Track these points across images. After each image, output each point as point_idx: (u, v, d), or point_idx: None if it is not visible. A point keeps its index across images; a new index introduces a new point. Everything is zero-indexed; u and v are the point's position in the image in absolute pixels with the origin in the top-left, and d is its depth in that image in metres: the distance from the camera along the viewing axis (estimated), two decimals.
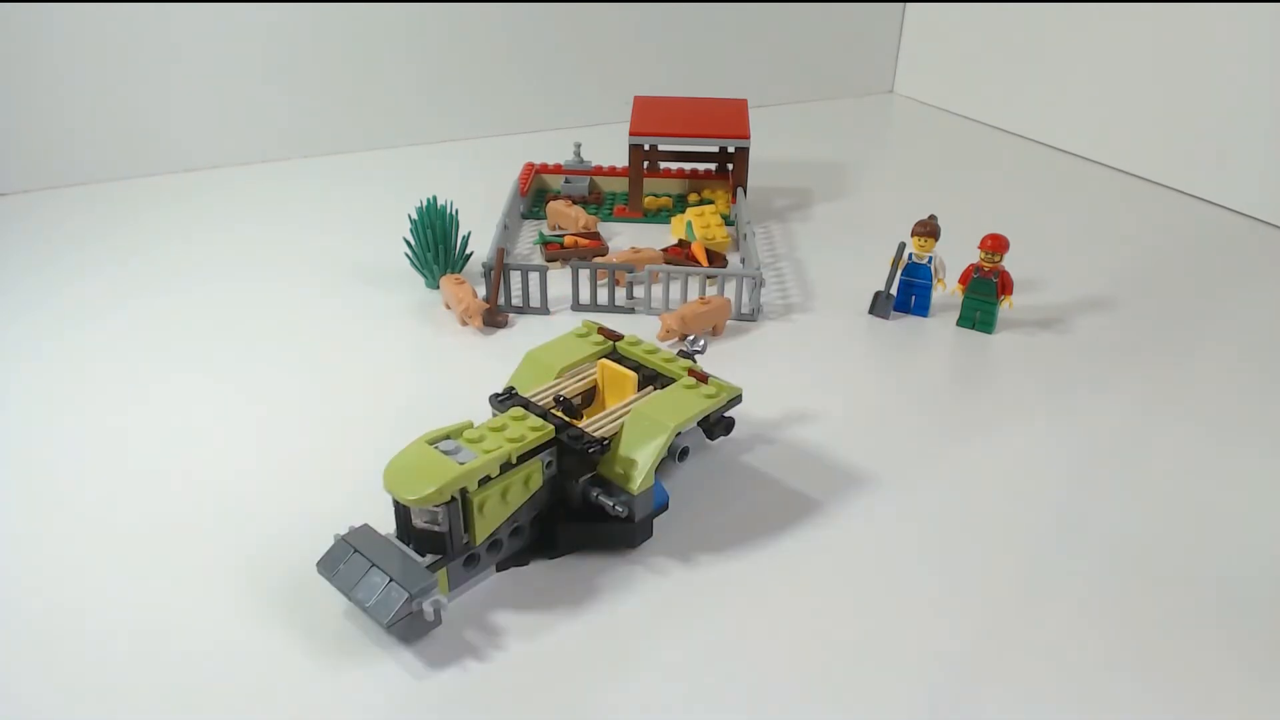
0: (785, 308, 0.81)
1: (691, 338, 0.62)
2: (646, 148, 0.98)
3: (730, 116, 0.99)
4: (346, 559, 0.47)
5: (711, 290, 0.81)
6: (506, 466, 0.48)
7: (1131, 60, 1.15)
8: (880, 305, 0.79)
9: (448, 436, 0.49)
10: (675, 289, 0.79)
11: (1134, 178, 1.15)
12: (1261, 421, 0.66)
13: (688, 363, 0.58)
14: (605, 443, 0.51)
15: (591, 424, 0.53)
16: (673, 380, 0.57)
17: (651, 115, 0.99)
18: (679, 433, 0.53)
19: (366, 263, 0.87)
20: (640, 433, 0.52)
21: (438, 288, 0.81)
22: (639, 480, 0.50)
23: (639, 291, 0.79)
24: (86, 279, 0.83)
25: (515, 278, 0.81)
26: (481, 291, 0.79)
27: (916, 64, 1.49)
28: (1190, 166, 1.09)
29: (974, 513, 0.57)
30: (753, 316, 0.78)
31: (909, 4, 1.47)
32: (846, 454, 0.61)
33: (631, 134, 0.95)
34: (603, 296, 0.80)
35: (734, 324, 0.77)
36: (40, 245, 0.90)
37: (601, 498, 0.51)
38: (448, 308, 0.78)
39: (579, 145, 1.03)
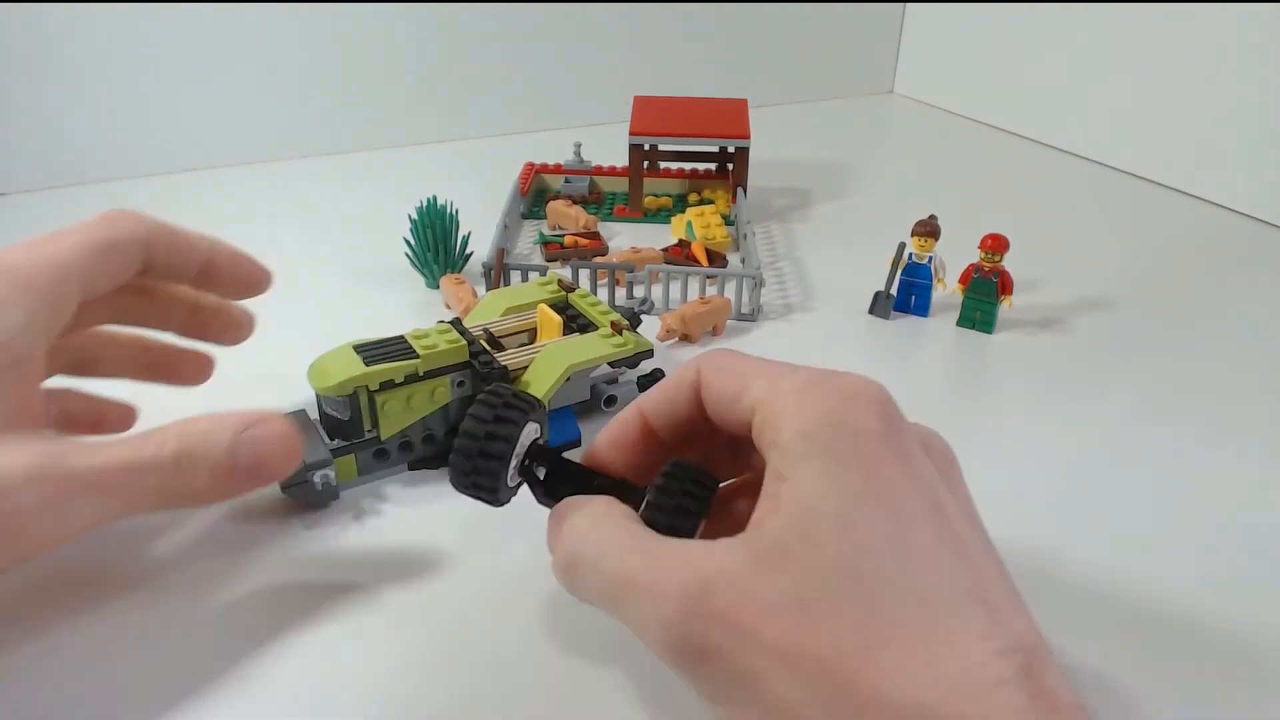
0: (785, 308, 0.81)
1: (641, 297, 0.64)
2: (646, 148, 0.98)
3: (730, 116, 0.99)
4: None
5: (711, 290, 0.81)
6: (415, 378, 0.54)
7: (1131, 60, 1.15)
8: (880, 305, 0.79)
9: (376, 343, 0.56)
10: (675, 289, 0.79)
11: (1134, 177, 1.15)
12: (1263, 420, 0.66)
13: (617, 317, 0.62)
14: (506, 369, 0.56)
15: (506, 355, 0.58)
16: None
17: (651, 115, 0.99)
18: (584, 373, 0.59)
19: (366, 263, 0.87)
20: (542, 367, 0.57)
21: (438, 288, 0.81)
22: None
23: (639, 291, 0.79)
24: None
25: (515, 278, 0.81)
26: (482, 291, 0.79)
27: (916, 64, 1.49)
28: (1190, 166, 1.09)
29: None
30: (753, 317, 0.78)
31: (909, 4, 1.47)
32: None
33: (631, 134, 0.95)
34: (602, 296, 0.80)
35: (734, 324, 0.77)
36: None
37: None
38: (448, 308, 0.78)
39: (579, 145, 1.03)
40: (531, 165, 1.03)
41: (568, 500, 0.38)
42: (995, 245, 0.74)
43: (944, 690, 0.26)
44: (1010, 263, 0.75)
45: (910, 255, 0.78)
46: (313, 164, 1.15)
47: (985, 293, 0.76)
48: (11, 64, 1.00)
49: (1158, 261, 0.92)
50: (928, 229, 0.76)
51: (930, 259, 0.77)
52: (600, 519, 0.35)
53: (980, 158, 1.23)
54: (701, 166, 1.04)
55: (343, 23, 1.14)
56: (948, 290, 0.79)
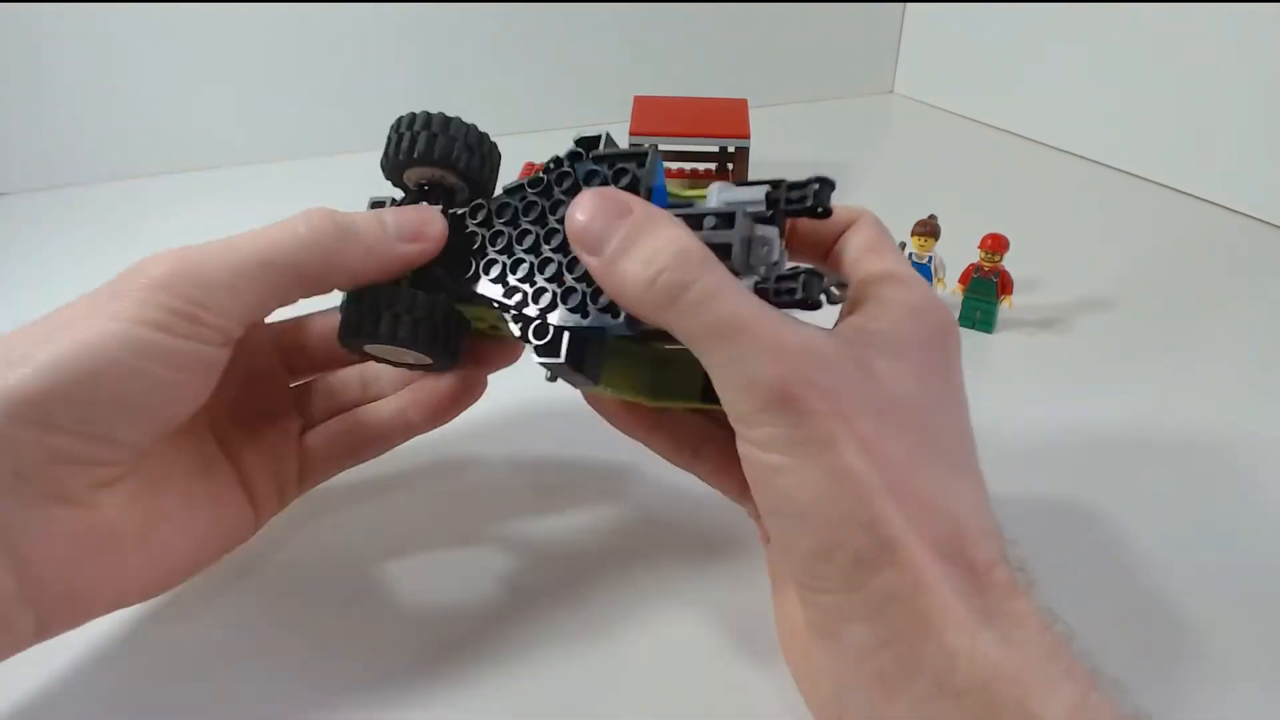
0: None
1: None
2: None
3: (730, 116, 0.99)
4: None
5: None
6: None
7: (1131, 60, 1.15)
8: None
9: None
10: None
11: (1134, 177, 1.15)
12: (1263, 420, 0.66)
13: None
14: None
15: None
16: None
17: (651, 115, 0.99)
18: None
19: None
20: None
21: None
22: None
23: None
24: (88, 279, 0.83)
25: None
26: None
27: (916, 64, 1.49)
28: (1190, 166, 1.09)
29: None
30: None
31: (909, 4, 1.47)
32: None
33: (631, 134, 0.95)
34: None
35: None
36: (42, 245, 0.90)
37: None
38: None
39: None
40: (531, 165, 1.03)
41: (648, 206, 0.38)
42: (995, 245, 0.74)
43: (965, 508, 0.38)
44: (1010, 263, 0.75)
45: (910, 255, 0.78)
46: (313, 164, 1.15)
47: (985, 293, 0.76)
48: (11, 64, 1.00)
49: (1157, 261, 0.92)
50: (928, 229, 0.76)
51: (930, 259, 0.77)
52: (709, 254, 0.36)
53: (980, 158, 1.23)
54: (702, 166, 1.04)
55: (343, 23, 1.14)
56: (948, 290, 0.79)
